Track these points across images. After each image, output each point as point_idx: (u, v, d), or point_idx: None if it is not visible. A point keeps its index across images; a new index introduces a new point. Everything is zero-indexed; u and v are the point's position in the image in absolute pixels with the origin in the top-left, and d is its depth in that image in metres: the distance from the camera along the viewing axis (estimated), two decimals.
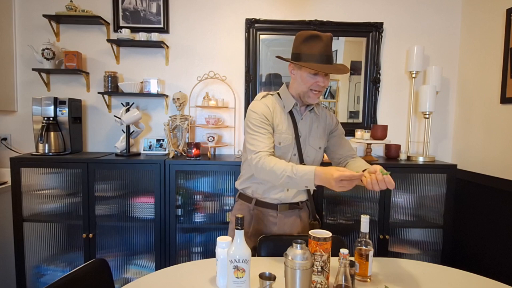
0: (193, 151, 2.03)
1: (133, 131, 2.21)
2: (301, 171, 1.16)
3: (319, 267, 0.98)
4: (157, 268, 2.03)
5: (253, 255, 1.04)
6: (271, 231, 1.44)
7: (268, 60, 2.35)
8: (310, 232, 1.01)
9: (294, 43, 1.33)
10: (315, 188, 1.21)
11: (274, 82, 2.37)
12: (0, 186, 2.08)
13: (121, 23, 2.28)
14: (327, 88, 2.39)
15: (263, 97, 1.41)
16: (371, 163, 2.05)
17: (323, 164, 1.39)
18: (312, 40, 1.27)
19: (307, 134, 1.41)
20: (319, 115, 1.45)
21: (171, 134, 2.21)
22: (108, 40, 2.21)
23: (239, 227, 0.96)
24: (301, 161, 1.38)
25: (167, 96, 2.33)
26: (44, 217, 2.04)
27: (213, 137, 2.22)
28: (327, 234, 1.01)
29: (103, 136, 2.37)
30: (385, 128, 2.16)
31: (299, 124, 1.40)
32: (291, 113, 1.39)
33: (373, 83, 2.39)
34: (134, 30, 2.25)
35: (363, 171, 1.15)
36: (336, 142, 1.48)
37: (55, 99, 2.08)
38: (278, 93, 1.43)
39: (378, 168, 1.13)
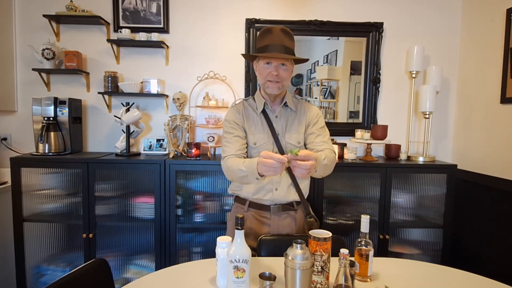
0: (193, 151, 2.03)
1: (133, 131, 2.21)
2: (248, 164, 1.21)
3: (319, 267, 0.98)
4: (157, 268, 2.03)
5: None
6: (264, 233, 1.43)
7: None
8: (310, 232, 1.01)
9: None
10: (258, 179, 1.21)
11: None
12: (0, 186, 2.08)
13: (121, 23, 2.28)
14: (327, 88, 2.39)
15: (236, 104, 1.48)
16: (371, 163, 2.09)
17: None
18: (264, 34, 1.34)
19: (283, 131, 1.41)
20: (296, 110, 1.45)
21: (171, 134, 2.21)
22: (108, 40, 2.21)
23: (239, 227, 0.96)
24: None
25: (167, 96, 2.33)
26: (44, 217, 2.04)
27: (213, 137, 2.22)
28: (327, 234, 1.01)
29: (103, 136, 2.37)
30: (385, 128, 2.17)
31: (274, 122, 1.41)
32: (264, 113, 1.42)
33: (373, 83, 2.39)
34: (134, 30, 2.25)
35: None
36: (309, 135, 1.43)
37: (55, 99, 2.08)
38: (254, 98, 1.47)
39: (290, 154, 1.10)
